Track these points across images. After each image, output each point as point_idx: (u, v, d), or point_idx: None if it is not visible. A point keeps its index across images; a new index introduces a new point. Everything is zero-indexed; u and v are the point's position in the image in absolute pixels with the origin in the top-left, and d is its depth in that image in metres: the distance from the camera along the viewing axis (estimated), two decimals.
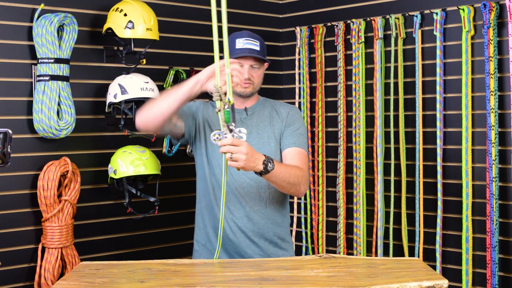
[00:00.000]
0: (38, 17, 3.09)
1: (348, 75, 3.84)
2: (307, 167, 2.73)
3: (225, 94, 2.33)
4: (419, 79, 3.49)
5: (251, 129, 2.76)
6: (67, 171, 3.14)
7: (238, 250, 2.74)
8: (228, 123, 2.34)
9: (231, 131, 2.35)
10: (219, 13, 2.27)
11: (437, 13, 3.39)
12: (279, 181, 2.55)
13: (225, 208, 2.71)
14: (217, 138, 2.36)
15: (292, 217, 4.03)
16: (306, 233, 4.02)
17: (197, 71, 3.72)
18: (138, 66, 3.39)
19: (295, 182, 2.60)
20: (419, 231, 3.52)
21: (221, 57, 2.34)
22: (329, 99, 3.97)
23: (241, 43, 2.71)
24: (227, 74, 2.34)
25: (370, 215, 3.76)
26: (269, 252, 2.76)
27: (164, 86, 3.60)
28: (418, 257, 3.51)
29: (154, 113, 2.58)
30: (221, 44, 2.30)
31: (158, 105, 2.57)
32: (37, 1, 3.12)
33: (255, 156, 2.43)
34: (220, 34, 2.27)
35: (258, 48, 2.71)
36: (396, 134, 3.62)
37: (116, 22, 3.20)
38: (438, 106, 3.42)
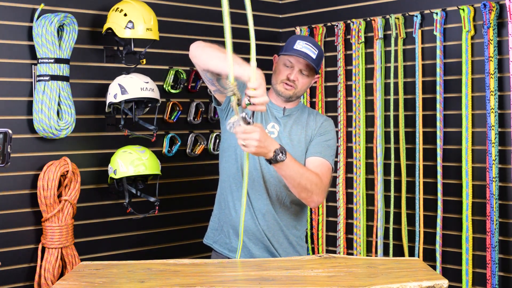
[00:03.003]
0: (38, 17, 3.09)
1: (348, 75, 3.84)
2: (327, 179, 2.67)
3: (235, 91, 2.32)
4: (419, 79, 3.49)
5: (284, 128, 2.74)
6: (67, 171, 3.14)
7: (252, 235, 2.73)
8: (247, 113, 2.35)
9: (245, 121, 2.35)
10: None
11: (437, 13, 3.39)
12: (289, 177, 2.51)
13: (247, 196, 2.70)
14: (231, 127, 2.37)
15: None
16: (306, 233, 4.02)
17: (197, 71, 3.74)
18: (138, 66, 3.39)
19: (306, 186, 2.55)
20: (419, 231, 3.52)
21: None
22: (329, 99, 3.97)
23: (300, 45, 2.69)
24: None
25: (370, 215, 3.76)
26: (278, 248, 2.76)
27: (164, 86, 3.60)
28: (418, 257, 3.51)
29: (201, 60, 2.57)
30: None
31: (206, 57, 2.54)
32: (37, 1, 3.12)
33: (268, 142, 2.39)
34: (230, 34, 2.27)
35: (314, 56, 2.68)
36: (396, 134, 3.62)
37: (116, 22, 3.20)
38: (438, 106, 3.42)
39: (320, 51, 2.73)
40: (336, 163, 3.89)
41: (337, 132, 3.85)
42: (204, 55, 2.57)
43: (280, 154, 2.43)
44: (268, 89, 2.86)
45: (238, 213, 2.71)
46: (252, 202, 2.72)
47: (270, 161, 2.45)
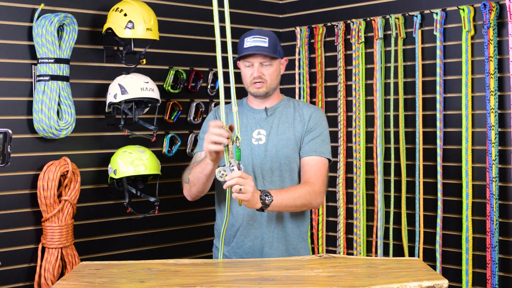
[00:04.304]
0: (38, 17, 3.09)
1: (348, 75, 3.84)
2: (323, 178, 2.68)
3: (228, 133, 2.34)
4: (419, 79, 3.49)
5: (271, 130, 2.72)
6: (67, 171, 3.14)
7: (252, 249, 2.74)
8: (239, 161, 2.34)
9: (239, 166, 2.35)
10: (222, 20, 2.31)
11: (437, 13, 3.39)
12: (285, 208, 2.57)
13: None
14: (223, 174, 2.35)
15: None
16: (310, 231, 4.02)
17: (197, 71, 3.74)
18: (138, 66, 3.39)
19: (303, 203, 2.59)
20: (419, 231, 3.52)
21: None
22: (329, 99, 3.97)
23: (249, 41, 2.67)
24: (234, 112, 2.36)
25: (370, 215, 3.76)
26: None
27: (164, 86, 3.60)
28: (418, 257, 3.51)
29: (198, 191, 2.65)
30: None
31: (196, 188, 2.62)
32: (37, 1, 3.12)
33: (256, 193, 2.44)
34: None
35: (266, 45, 2.66)
36: (396, 134, 3.62)
37: (116, 22, 3.20)
38: (438, 106, 3.42)
39: (271, 37, 2.69)
40: (336, 163, 3.89)
41: (337, 132, 3.87)
42: (195, 190, 2.65)
43: (266, 197, 2.47)
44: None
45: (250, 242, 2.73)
46: (263, 228, 2.73)
47: (262, 209, 2.48)
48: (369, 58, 3.73)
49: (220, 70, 2.34)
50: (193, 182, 2.61)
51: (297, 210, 2.64)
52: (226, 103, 2.44)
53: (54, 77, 3.08)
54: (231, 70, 2.37)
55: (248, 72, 2.69)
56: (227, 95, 2.39)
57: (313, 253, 4.02)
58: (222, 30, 2.32)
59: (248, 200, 2.39)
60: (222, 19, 2.33)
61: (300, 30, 4.00)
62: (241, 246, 2.72)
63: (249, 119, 2.74)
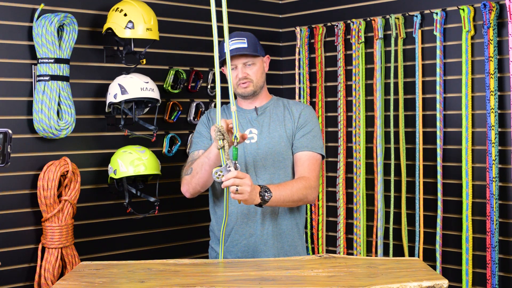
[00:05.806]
0: (38, 17, 3.09)
1: (348, 75, 3.84)
2: (316, 173, 2.72)
3: (224, 134, 2.36)
4: (419, 79, 3.50)
5: (262, 129, 2.75)
6: (67, 171, 3.13)
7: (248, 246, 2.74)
8: (235, 160, 2.35)
9: (235, 166, 2.36)
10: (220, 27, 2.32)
11: (437, 13, 3.39)
12: (283, 203, 2.59)
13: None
14: (220, 174, 2.37)
15: None
16: (306, 233, 4.02)
17: (197, 71, 3.74)
18: (138, 66, 3.39)
19: (300, 198, 2.62)
20: (419, 231, 3.52)
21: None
22: (329, 99, 3.97)
23: (228, 45, 2.70)
24: (232, 111, 2.37)
25: (370, 215, 3.76)
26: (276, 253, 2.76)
27: (164, 86, 3.60)
28: (418, 257, 3.51)
29: (198, 183, 2.66)
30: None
31: (198, 178, 2.64)
32: (37, 1, 3.12)
33: (255, 189, 2.46)
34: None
35: (245, 45, 2.71)
36: (396, 134, 3.62)
37: (116, 22, 3.20)
38: (438, 106, 3.42)
39: (249, 37, 2.74)
40: (336, 163, 3.89)
41: (337, 132, 3.87)
42: (195, 182, 2.67)
43: (266, 193, 2.50)
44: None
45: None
46: (264, 224, 2.74)
47: (261, 204, 2.50)
48: (369, 58, 3.73)
49: (217, 69, 2.35)
50: (196, 170, 2.63)
51: (294, 205, 2.67)
52: (223, 103, 2.45)
53: (54, 77, 3.08)
54: (228, 70, 2.39)
55: (233, 75, 2.74)
56: (225, 95, 2.40)
57: (313, 253, 4.02)
58: (220, 29, 2.34)
59: (246, 199, 2.41)
60: (219, 19, 2.35)
61: (300, 30, 4.00)
62: (236, 244, 2.73)
63: (240, 119, 2.77)
